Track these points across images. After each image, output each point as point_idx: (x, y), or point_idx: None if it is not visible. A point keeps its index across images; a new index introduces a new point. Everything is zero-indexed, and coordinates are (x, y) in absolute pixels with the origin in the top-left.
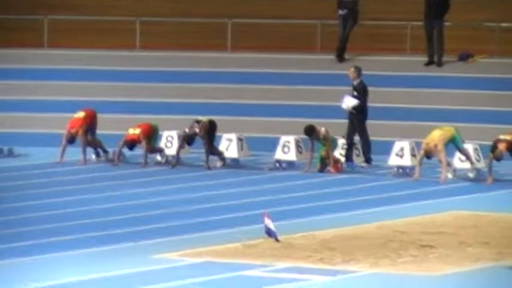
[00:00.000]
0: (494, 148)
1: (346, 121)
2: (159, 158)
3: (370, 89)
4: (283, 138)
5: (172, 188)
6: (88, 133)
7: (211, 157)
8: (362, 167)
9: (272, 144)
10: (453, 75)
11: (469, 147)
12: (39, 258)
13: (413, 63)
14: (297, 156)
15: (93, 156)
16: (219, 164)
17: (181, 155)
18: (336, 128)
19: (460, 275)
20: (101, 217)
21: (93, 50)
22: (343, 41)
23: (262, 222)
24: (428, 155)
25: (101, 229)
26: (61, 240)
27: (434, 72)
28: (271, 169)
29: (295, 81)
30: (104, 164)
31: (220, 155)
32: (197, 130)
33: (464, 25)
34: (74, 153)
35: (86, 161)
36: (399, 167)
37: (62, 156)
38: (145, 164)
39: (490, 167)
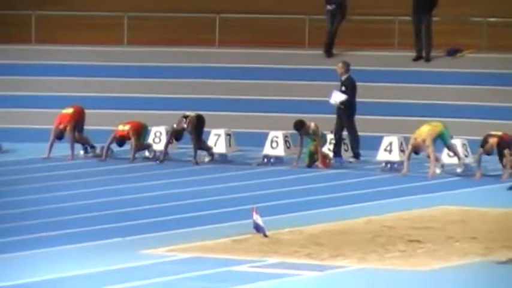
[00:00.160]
0: (484, 143)
1: (334, 116)
2: (147, 153)
3: (358, 84)
4: (272, 134)
5: (160, 183)
6: (75, 130)
7: (199, 152)
8: (350, 162)
9: (260, 139)
10: (441, 70)
11: (457, 142)
12: (24, 254)
13: (402, 58)
14: (285, 151)
15: (81, 152)
16: (207, 159)
17: (169, 150)
18: (324, 123)
19: (448, 270)
20: (88, 212)
21: (81, 46)
22: (331, 36)
23: (251, 217)
24: (416, 150)
25: (88, 224)
26: (47, 236)
27: (422, 67)
28: (259, 164)
29: (283, 76)
30: (91, 160)
31: (208, 150)
32: (185, 125)
33: (452, 20)
34: (62, 148)
35: (73, 156)
36: (387, 162)
37: (49, 151)
38: (133, 159)
39: (479, 161)
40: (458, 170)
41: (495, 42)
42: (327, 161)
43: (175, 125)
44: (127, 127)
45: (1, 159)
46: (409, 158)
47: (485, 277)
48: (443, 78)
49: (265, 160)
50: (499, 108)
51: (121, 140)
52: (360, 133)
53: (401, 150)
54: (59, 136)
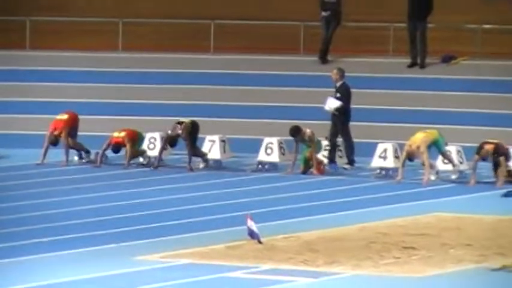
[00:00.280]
0: (480, 149)
1: (329, 123)
2: (141, 159)
3: (353, 90)
4: (266, 140)
5: (154, 189)
6: (69, 136)
7: (193, 158)
8: (345, 168)
9: (255, 145)
10: (436, 77)
11: (452, 149)
12: (18, 260)
13: (396, 65)
14: (279, 157)
15: (76, 158)
16: (201, 165)
17: (164, 157)
18: (319, 129)
19: (443, 277)
20: (83, 218)
21: (75, 52)
22: (326, 43)
23: (245, 223)
24: (410, 157)
25: (82, 230)
26: (41, 242)
27: (417, 74)
28: (254, 171)
29: (278, 82)
30: (86, 166)
31: (203, 156)
32: (179, 132)
33: (447, 27)
34: (56, 154)
35: (68, 162)
36: (382, 169)
37: (43, 157)
38: (128, 165)
39: (474, 168)
40: (453, 177)
41: (490, 49)
42: (322, 167)
43: (169, 131)
44: (122, 134)
45: None
46: (403, 165)
47: (480, 284)
48: (438, 85)
49: (260, 166)
50: (493, 115)
51: (116, 147)
52: (354, 139)
53: (396, 157)
54: (54, 142)
